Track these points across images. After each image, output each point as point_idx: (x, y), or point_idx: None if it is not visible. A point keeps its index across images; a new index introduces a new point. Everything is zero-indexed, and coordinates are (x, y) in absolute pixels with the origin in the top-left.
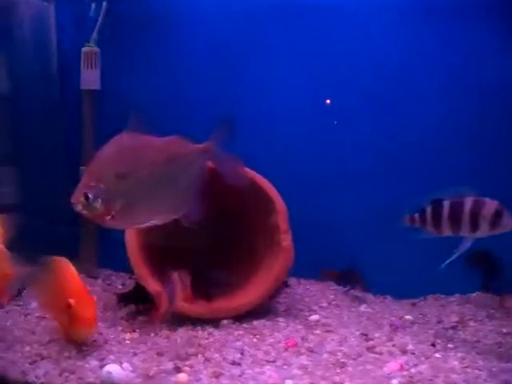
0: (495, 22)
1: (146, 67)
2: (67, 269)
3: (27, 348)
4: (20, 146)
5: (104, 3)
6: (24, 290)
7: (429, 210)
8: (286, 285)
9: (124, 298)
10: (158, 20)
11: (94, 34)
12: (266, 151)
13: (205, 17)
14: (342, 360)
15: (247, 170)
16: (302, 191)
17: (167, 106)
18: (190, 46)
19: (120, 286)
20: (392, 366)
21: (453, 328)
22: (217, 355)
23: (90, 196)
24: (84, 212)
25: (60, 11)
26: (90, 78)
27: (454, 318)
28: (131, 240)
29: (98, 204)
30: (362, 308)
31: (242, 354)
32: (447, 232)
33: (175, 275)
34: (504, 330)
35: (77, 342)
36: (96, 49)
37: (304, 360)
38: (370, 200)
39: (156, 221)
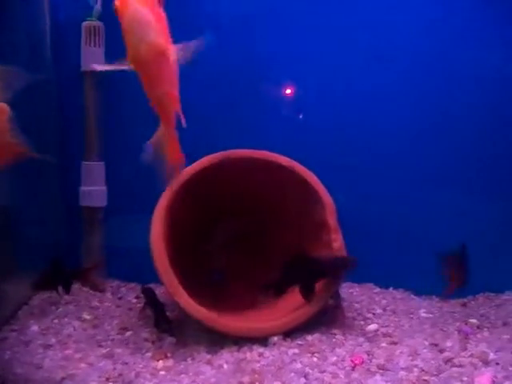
0: None
1: None
2: None
3: None
4: None
5: None
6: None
7: None
8: None
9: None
10: None
11: (97, 6)
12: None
13: None
14: (423, 377)
15: (285, 158)
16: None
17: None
18: (213, 16)
19: (134, 300)
20: (483, 380)
21: None
22: (278, 383)
23: None
24: None
25: None
26: (93, 58)
27: None
28: (159, 248)
29: None
30: (423, 313)
31: (305, 378)
32: None
33: None
34: None
35: None
36: (99, 23)
37: (381, 381)
38: (410, 195)
39: None
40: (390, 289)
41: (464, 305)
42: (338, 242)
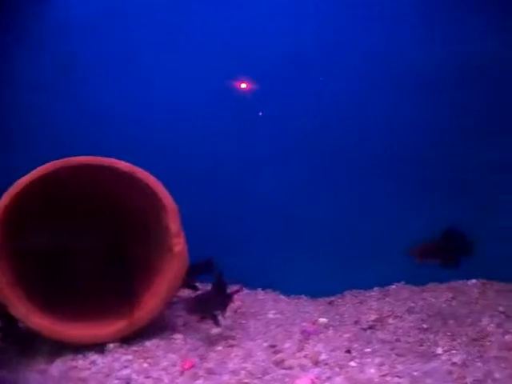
0: None
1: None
2: None
3: None
4: None
5: None
6: None
7: None
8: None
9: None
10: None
11: None
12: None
13: None
14: (245, 380)
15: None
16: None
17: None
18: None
19: None
20: (301, 383)
21: (371, 328)
22: None
23: None
24: None
25: None
26: None
27: (373, 316)
28: None
29: None
30: (271, 315)
31: None
32: None
33: None
34: (425, 326)
35: None
36: None
37: None
38: (276, 196)
39: None
40: (259, 289)
41: (330, 303)
42: (179, 246)
